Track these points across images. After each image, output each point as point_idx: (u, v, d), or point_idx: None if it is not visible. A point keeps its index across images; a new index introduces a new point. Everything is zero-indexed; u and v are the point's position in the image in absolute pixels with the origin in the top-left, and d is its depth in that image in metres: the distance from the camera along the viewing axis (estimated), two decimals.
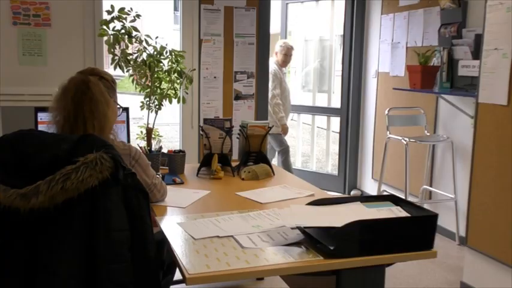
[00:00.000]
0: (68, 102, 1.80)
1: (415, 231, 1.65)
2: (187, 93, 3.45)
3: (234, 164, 2.78)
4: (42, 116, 2.61)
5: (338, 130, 5.49)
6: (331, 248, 1.57)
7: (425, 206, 4.22)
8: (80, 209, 1.41)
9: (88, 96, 1.81)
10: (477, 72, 3.09)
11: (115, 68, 2.93)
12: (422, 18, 4.22)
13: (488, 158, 2.99)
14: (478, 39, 3.31)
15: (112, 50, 2.86)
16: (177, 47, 4.47)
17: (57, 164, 1.39)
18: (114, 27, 2.84)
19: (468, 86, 3.57)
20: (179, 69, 2.99)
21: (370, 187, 5.11)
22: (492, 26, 2.94)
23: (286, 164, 5.09)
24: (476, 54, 3.34)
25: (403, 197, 3.86)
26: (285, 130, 5.02)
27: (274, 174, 2.71)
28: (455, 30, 3.80)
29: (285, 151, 5.12)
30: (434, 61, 3.91)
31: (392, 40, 4.63)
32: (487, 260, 2.92)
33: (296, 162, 6.09)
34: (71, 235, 1.41)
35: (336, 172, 5.53)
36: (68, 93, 1.81)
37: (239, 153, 2.88)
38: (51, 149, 1.45)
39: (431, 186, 4.22)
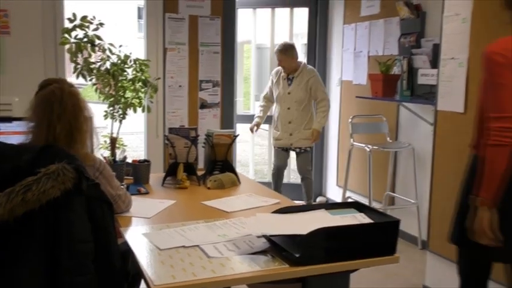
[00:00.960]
0: (42, 112, 1.76)
1: (378, 237, 1.69)
2: (152, 102, 3.43)
3: (199, 173, 2.78)
4: (1, 127, 2.53)
5: None
6: (297, 255, 1.59)
7: (389, 212, 4.31)
8: (41, 221, 1.39)
9: (63, 107, 1.77)
10: (436, 80, 3.20)
11: (77, 76, 2.89)
12: (383, 28, 4.34)
13: (448, 164, 3.09)
14: (436, 49, 3.42)
15: (74, 59, 2.82)
16: (142, 55, 4.44)
17: (19, 176, 1.36)
18: (77, 35, 2.80)
19: (427, 94, 3.68)
20: (144, 78, 2.97)
21: (335, 194, 5.19)
22: (449, 36, 3.04)
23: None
24: (435, 63, 3.45)
25: (367, 203, 3.93)
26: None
27: (240, 182, 2.72)
28: (415, 40, 3.92)
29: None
30: (395, 70, 4.02)
31: (354, 49, 4.73)
32: (448, 264, 3.00)
33: (265, 173, 6.10)
34: (33, 247, 1.39)
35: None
36: (43, 103, 1.77)
37: (205, 162, 2.87)
38: (12, 160, 1.42)
39: (394, 192, 4.31)
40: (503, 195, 1.83)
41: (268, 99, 4.66)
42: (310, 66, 4.57)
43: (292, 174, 6.08)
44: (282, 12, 5.24)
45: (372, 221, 1.77)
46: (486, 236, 1.85)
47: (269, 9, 5.12)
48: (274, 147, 4.63)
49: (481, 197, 1.86)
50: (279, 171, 4.65)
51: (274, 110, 4.62)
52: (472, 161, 2.07)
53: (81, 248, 1.42)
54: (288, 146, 4.51)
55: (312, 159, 4.83)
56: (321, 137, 5.20)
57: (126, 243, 1.82)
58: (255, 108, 5.05)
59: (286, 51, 4.38)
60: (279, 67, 4.51)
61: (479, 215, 1.86)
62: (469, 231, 1.92)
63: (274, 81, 4.55)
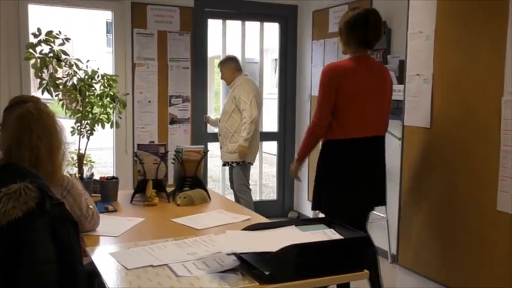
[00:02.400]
0: (20, 131, 1.71)
1: (347, 253, 1.69)
2: (120, 118, 3.39)
3: (170, 189, 2.74)
4: None
5: (275, 153, 5.56)
6: (267, 273, 1.57)
7: None
8: (1, 242, 1.34)
9: (42, 127, 1.73)
10: (402, 96, 3.26)
11: (43, 92, 2.83)
12: None
13: (416, 178, 3.14)
14: (402, 65, 3.50)
15: (39, 74, 2.77)
16: (110, 70, 4.40)
17: None
18: (42, 50, 2.75)
19: (395, 110, 3.74)
20: (112, 93, 2.94)
21: (307, 209, 5.20)
22: (413, 53, 3.12)
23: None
24: (401, 79, 3.52)
25: None
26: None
27: (210, 199, 2.70)
28: (381, 56, 3.99)
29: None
30: None
31: (323, 64, 4.79)
32: (417, 278, 3.04)
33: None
34: None
35: (274, 196, 5.58)
36: (21, 122, 1.72)
37: (174, 178, 2.84)
38: None
39: None
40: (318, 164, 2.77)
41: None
42: (247, 78, 4.35)
43: (264, 190, 6.08)
44: (252, 26, 5.26)
45: (341, 237, 1.78)
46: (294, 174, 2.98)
47: (239, 22, 5.15)
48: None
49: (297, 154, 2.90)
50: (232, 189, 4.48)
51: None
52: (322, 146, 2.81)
53: (43, 269, 1.38)
54: (297, 176, 4.17)
55: (244, 175, 4.36)
56: (291, 151, 5.22)
57: (92, 263, 1.77)
58: None
59: (224, 63, 4.38)
60: None
61: (294, 162, 2.95)
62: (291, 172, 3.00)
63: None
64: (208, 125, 4.91)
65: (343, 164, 2.69)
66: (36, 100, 1.85)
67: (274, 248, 1.58)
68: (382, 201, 2.93)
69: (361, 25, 2.61)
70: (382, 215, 4.06)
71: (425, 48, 3.02)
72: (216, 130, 4.96)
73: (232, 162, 4.31)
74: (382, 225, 4.08)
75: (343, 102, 2.62)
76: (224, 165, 4.48)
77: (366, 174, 2.74)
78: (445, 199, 2.91)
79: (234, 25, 5.21)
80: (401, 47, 3.64)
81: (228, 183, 4.72)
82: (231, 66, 4.34)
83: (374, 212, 4.13)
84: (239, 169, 4.33)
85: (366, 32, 2.61)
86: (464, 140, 2.79)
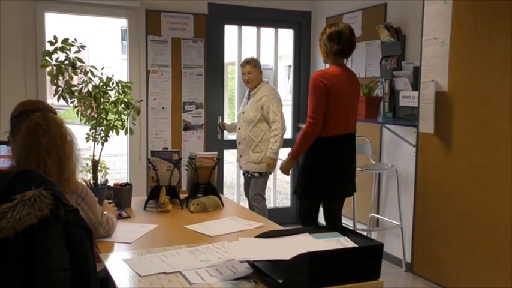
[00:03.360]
0: (28, 145, 1.70)
1: (362, 262, 1.67)
2: (134, 124, 3.41)
3: (183, 196, 2.74)
4: None
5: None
6: (280, 281, 1.56)
7: (373, 234, 4.31)
8: (16, 249, 1.35)
9: (51, 140, 1.73)
10: (417, 102, 3.24)
11: (58, 99, 2.85)
12: (365, 50, 4.39)
13: (430, 186, 3.10)
14: (417, 71, 3.47)
15: (55, 81, 2.79)
16: (125, 77, 4.43)
17: None
18: (58, 58, 2.78)
19: (409, 116, 3.71)
20: (126, 100, 2.95)
21: (321, 216, 5.16)
22: (428, 59, 3.09)
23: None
24: (416, 85, 3.49)
25: (352, 225, 3.92)
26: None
27: (223, 206, 2.69)
28: (396, 62, 3.97)
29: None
30: (377, 92, 4.06)
31: None
32: (432, 286, 3.00)
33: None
34: (5, 277, 1.34)
35: (288, 203, 5.56)
36: (29, 136, 1.71)
37: (188, 185, 2.84)
38: None
39: (378, 213, 4.31)
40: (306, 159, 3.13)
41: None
42: (270, 85, 4.27)
43: (278, 197, 6.05)
44: (267, 33, 5.27)
45: (355, 245, 1.76)
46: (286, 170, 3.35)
47: (254, 28, 5.16)
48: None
49: (292, 153, 3.22)
50: (247, 197, 4.33)
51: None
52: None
53: (58, 276, 1.38)
54: (288, 174, 3.91)
55: (263, 185, 4.25)
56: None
57: (105, 270, 1.77)
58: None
59: (257, 63, 4.19)
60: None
61: (288, 161, 3.28)
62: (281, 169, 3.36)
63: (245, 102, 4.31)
64: (224, 131, 4.84)
65: (330, 159, 3.10)
66: (44, 107, 1.82)
67: (287, 255, 1.57)
68: (354, 190, 3.34)
69: (337, 39, 3.08)
70: (396, 222, 4.02)
71: (440, 54, 2.99)
72: (230, 137, 4.96)
73: (254, 172, 4.18)
74: (397, 233, 4.03)
75: (331, 103, 3.03)
76: (244, 174, 4.34)
77: (346, 167, 3.18)
78: (461, 207, 2.87)
79: (248, 31, 5.23)
80: (416, 53, 3.61)
81: (242, 189, 4.68)
82: (259, 69, 4.19)
83: (389, 219, 4.12)
84: (259, 179, 4.20)
85: (341, 44, 3.08)
86: (480, 147, 2.75)
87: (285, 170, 3.35)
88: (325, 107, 3.03)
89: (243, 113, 4.19)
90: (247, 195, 4.39)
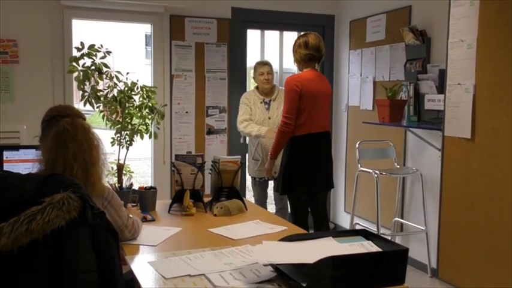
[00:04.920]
0: (55, 150, 1.75)
1: (386, 266, 1.65)
2: (158, 129, 3.45)
3: (206, 199, 2.76)
4: (8, 155, 2.54)
5: None
6: (304, 285, 1.56)
7: (397, 238, 4.26)
8: (45, 251, 1.37)
9: (78, 145, 1.77)
10: (442, 106, 3.19)
11: (85, 104, 2.91)
12: (389, 53, 4.36)
13: (456, 190, 3.06)
14: (442, 74, 3.42)
15: (82, 87, 2.84)
16: (149, 81, 4.49)
17: (22, 205, 1.35)
18: (84, 63, 2.83)
19: (434, 120, 3.67)
20: (150, 104, 2.99)
21: (343, 220, 5.14)
22: (454, 62, 3.05)
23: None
24: (441, 88, 3.45)
25: (376, 230, 3.89)
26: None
27: (246, 209, 2.70)
28: (420, 66, 3.92)
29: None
30: (402, 95, 4.02)
31: (361, 75, 4.75)
32: None
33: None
34: (36, 278, 1.37)
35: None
36: (57, 141, 1.76)
37: (211, 188, 2.86)
38: (16, 190, 1.41)
39: (402, 218, 4.26)
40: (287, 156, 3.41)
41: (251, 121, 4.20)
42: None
43: None
44: (290, 37, 5.27)
45: (379, 250, 1.74)
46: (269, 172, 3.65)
47: (277, 32, 5.16)
48: (255, 178, 4.25)
49: (270, 153, 3.54)
50: (261, 204, 4.21)
51: (250, 138, 4.23)
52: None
53: (85, 278, 1.40)
54: (272, 175, 3.99)
55: None
56: None
57: (131, 272, 1.80)
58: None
59: (272, 66, 4.21)
60: (250, 92, 4.26)
61: (268, 162, 3.59)
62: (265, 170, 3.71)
63: (251, 106, 4.16)
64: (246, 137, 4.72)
65: (304, 154, 3.39)
66: (73, 113, 1.87)
67: (311, 259, 1.56)
68: (331, 183, 3.61)
69: (304, 46, 3.42)
70: (421, 227, 3.97)
71: (466, 57, 2.95)
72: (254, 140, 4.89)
73: None
74: (422, 238, 3.98)
75: (303, 105, 3.33)
76: (266, 180, 4.25)
77: (321, 161, 3.46)
78: (488, 211, 2.82)
79: (270, 35, 5.24)
80: (441, 56, 3.57)
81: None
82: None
83: (413, 224, 4.07)
84: None
85: (308, 50, 3.41)
86: (507, 151, 2.70)
87: (268, 171, 3.66)
88: (299, 108, 3.33)
89: (270, 118, 4.10)
90: (279, 199, 4.29)
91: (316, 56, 3.46)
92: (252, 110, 4.15)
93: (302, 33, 3.61)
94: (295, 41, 3.54)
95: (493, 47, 2.78)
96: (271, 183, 4.29)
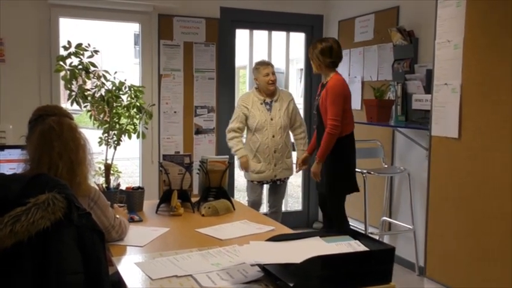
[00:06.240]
0: (41, 148, 1.74)
1: (373, 266, 1.66)
2: (146, 128, 3.43)
3: (194, 199, 2.76)
4: None
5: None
6: (291, 284, 1.56)
7: (385, 238, 4.28)
8: (30, 252, 1.36)
9: (64, 144, 1.76)
10: (430, 106, 3.21)
11: (72, 103, 2.89)
12: (377, 53, 4.38)
13: (444, 189, 3.08)
14: (429, 75, 3.44)
15: (69, 86, 2.82)
16: (137, 81, 4.47)
17: (7, 206, 1.34)
18: (71, 62, 2.81)
19: (422, 119, 3.69)
20: (138, 104, 2.97)
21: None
22: (441, 62, 3.07)
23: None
24: (428, 88, 3.47)
25: (364, 229, 3.90)
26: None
27: (234, 209, 2.70)
28: (408, 66, 3.95)
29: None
30: (390, 95, 4.04)
31: (349, 74, 4.77)
32: None
33: None
34: (22, 280, 1.36)
35: (299, 207, 5.55)
36: (43, 140, 1.75)
37: (199, 188, 2.86)
38: (1, 190, 1.40)
39: (390, 217, 4.28)
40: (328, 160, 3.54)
41: (241, 132, 4.11)
42: (285, 89, 4.36)
43: (289, 201, 6.04)
44: (279, 36, 5.28)
45: (367, 249, 1.75)
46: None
47: (266, 32, 5.17)
48: (252, 181, 4.12)
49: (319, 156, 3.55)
50: (256, 207, 4.13)
51: (250, 139, 4.10)
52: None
53: (71, 279, 1.39)
54: (271, 178, 4.08)
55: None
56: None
57: (118, 273, 1.79)
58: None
59: (273, 66, 4.13)
60: (248, 93, 4.15)
61: (317, 165, 3.58)
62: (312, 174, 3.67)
63: (250, 108, 4.04)
64: None
65: (351, 153, 3.61)
66: (60, 112, 1.86)
67: (298, 259, 1.56)
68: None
69: (329, 53, 3.56)
70: (409, 226, 3.99)
71: (453, 57, 2.97)
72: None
73: (286, 178, 4.19)
74: (409, 237, 4.00)
75: (346, 106, 3.54)
76: (262, 183, 4.16)
77: (355, 160, 3.69)
78: (475, 210, 2.84)
79: (259, 35, 5.24)
80: (428, 56, 3.59)
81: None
82: None
83: (401, 223, 4.09)
84: (286, 184, 4.31)
85: (333, 57, 3.58)
86: (494, 150, 2.73)
87: (317, 175, 3.60)
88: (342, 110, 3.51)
89: (272, 119, 4.02)
90: (275, 205, 4.26)
91: (339, 62, 3.64)
92: (251, 113, 4.02)
93: (319, 38, 3.78)
94: (316, 46, 3.59)
95: (480, 47, 2.81)
96: (265, 186, 4.27)
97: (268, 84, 4.03)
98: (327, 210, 3.76)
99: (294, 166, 4.20)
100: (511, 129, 2.62)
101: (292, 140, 4.24)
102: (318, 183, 3.68)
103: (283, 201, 4.44)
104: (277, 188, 4.22)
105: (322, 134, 3.54)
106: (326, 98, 3.50)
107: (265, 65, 4.10)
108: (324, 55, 3.55)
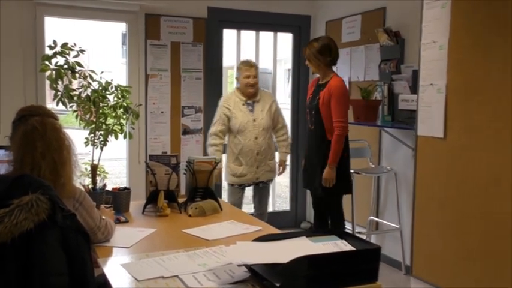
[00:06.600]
0: (23, 148, 1.72)
1: (359, 265, 1.67)
2: (133, 129, 3.41)
3: (182, 200, 2.75)
4: None
5: (288, 163, 5.54)
6: (277, 284, 1.56)
7: (372, 237, 4.30)
8: (14, 254, 1.35)
9: (47, 144, 1.74)
10: (416, 106, 3.24)
11: (57, 103, 2.86)
12: (364, 54, 4.40)
13: (430, 189, 3.10)
14: (416, 75, 3.47)
15: (54, 86, 2.80)
16: (124, 81, 4.44)
17: None
18: (57, 62, 2.79)
19: (408, 119, 3.72)
20: (125, 104, 2.96)
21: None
22: (427, 63, 3.10)
23: None
24: (415, 88, 3.49)
25: (351, 228, 3.92)
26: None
27: (221, 209, 2.70)
28: (395, 66, 3.98)
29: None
30: (376, 95, 4.06)
31: (336, 74, 4.77)
32: None
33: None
34: (4, 281, 1.34)
35: (287, 207, 5.56)
36: (25, 140, 1.74)
37: (186, 189, 2.85)
38: None
39: (377, 217, 4.31)
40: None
41: (223, 135, 4.00)
42: (267, 90, 4.26)
43: (277, 201, 6.04)
44: (266, 36, 5.28)
45: (353, 249, 1.76)
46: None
47: (253, 32, 5.16)
48: (233, 185, 4.00)
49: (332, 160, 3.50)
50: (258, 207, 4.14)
51: (232, 142, 3.99)
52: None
53: (55, 281, 1.38)
54: (253, 181, 3.98)
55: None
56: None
57: (103, 275, 1.77)
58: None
59: (258, 68, 4.03)
60: (230, 94, 4.05)
61: (331, 170, 3.51)
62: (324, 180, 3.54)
63: (231, 109, 3.93)
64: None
65: (348, 154, 3.65)
66: (44, 112, 1.85)
67: (285, 259, 1.56)
68: None
69: (328, 51, 3.54)
70: (396, 225, 4.02)
71: (438, 58, 3.00)
72: None
73: (269, 180, 4.09)
74: (396, 236, 4.03)
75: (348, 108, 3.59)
76: (244, 187, 4.04)
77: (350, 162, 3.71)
78: (460, 209, 2.87)
79: (247, 35, 5.23)
80: (415, 57, 3.62)
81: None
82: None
83: (388, 222, 4.12)
84: (270, 186, 4.22)
85: (332, 55, 3.57)
86: (479, 150, 2.75)
87: (332, 180, 3.54)
88: None
89: (254, 120, 3.92)
90: (262, 208, 4.18)
91: (337, 59, 3.64)
92: (233, 114, 3.92)
93: (313, 38, 3.71)
94: (313, 46, 3.55)
95: (464, 48, 2.84)
96: (248, 190, 4.12)
97: (246, 86, 3.93)
98: (322, 210, 3.78)
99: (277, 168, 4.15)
100: (496, 128, 2.65)
101: (275, 140, 4.15)
102: (313, 186, 3.67)
103: (269, 202, 4.35)
104: (261, 190, 4.11)
105: (320, 135, 3.54)
106: (330, 99, 3.47)
107: (248, 66, 3.98)
108: (322, 54, 3.52)
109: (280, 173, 4.20)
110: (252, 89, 3.94)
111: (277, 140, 4.14)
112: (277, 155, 4.21)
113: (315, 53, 3.53)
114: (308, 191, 5.20)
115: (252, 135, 3.91)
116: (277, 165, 4.15)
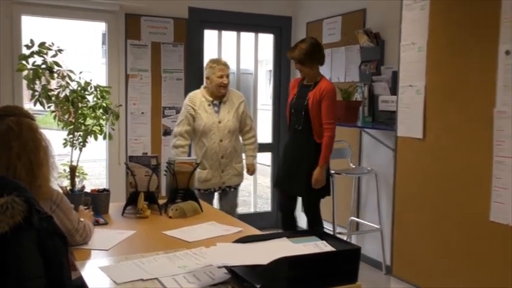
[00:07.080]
0: None
1: (340, 266, 1.67)
2: (113, 130, 3.37)
3: (162, 201, 2.72)
4: None
5: (269, 164, 5.55)
6: (258, 286, 1.55)
7: (353, 237, 4.33)
8: None
9: (22, 144, 1.71)
10: (395, 107, 3.27)
11: (35, 104, 2.81)
12: (344, 55, 4.43)
13: (409, 189, 3.14)
14: (395, 76, 3.50)
15: (32, 86, 2.75)
16: (104, 81, 4.39)
17: None
18: (34, 62, 2.74)
19: (388, 120, 3.75)
20: (105, 105, 2.92)
21: (301, 220, 5.17)
22: (406, 65, 3.13)
23: None
24: (394, 90, 3.53)
25: (332, 229, 3.94)
26: None
27: (202, 210, 2.68)
28: (375, 67, 4.01)
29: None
30: (357, 96, 4.09)
31: None
32: None
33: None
34: None
35: (268, 208, 5.56)
36: (0, 140, 1.70)
37: (167, 190, 2.82)
38: None
39: (358, 217, 4.34)
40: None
41: (188, 136, 3.76)
42: (236, 90, 4.05)
43: (258, 202, 6.04)
44: (247, 37, 5.28)
45: (333, 249, 1.77)
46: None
47: (235, 33, 5.16)
48: (199, 190, 3.68)
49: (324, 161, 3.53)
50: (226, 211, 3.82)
51: (196, 144, 3.79)
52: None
53: (31, 284, 1.35)
54: (219, 185, 3.77)
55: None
56: None
57: (81, 278, 1.75)
58: None
59: (229, 67, 3.83)
60: (196, 92, 3.83)
61: (322, 171, 3.53)
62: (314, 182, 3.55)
63: (196, 109, 3.72)
64: None
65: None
66: (20, 113, 1.81)
67: (265, 260, 1.56)
68: None
69: (318, 49, 3.56)
70: (376, 226, 4.05)
71: (417, 59, 3.03)
72: None
73: (236, 185, 3.86)
74: (377, 236, 4.06)
75: None
76: (220, 190, 3.83)
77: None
78: (439, 209, 2.91)
79: (228, 36, 5.22)
80: (394, 58, 3.65)
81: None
82: None
83: (368, 222, 4.15)
84: (238, 190, 3.94)
85: (322, 53, 3.59)
86: (457, 150, 2.79)
87: (322, 181, 3.55)
88: None
89: (219, 122, 3.71)
90: (226, 208, 3.88)
91: (324, 59, 3.66)
92: (198, 114, 3.70)
93: (296, 42, 3.66)
94: (300, 48, 3.53)
95: (442, 48, 2.88)
96: (215, 195, 3.91)
97: (220, 86, 3.71)
98: (291, 210, 3.86)
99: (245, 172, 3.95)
100: (474, 129, 2.69)
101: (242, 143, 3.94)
102: (292, 186, 3.65)
103: (237, 209, 4.04)
104: (228, 195, 3.86)
105: (307, 136, 3.55)
106: (320, 101, 3.48)
107: (221, 65, 3.75)
108: (314, 53, 3.53)
109: (252, 174, 4.08)
110: (225, 89, 3.76)
111: (244, 143, 3.92)
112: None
113: (307, 53, 3.51)
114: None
115: (217, 138, 3.69)
116: (245, 169, 3.95)
